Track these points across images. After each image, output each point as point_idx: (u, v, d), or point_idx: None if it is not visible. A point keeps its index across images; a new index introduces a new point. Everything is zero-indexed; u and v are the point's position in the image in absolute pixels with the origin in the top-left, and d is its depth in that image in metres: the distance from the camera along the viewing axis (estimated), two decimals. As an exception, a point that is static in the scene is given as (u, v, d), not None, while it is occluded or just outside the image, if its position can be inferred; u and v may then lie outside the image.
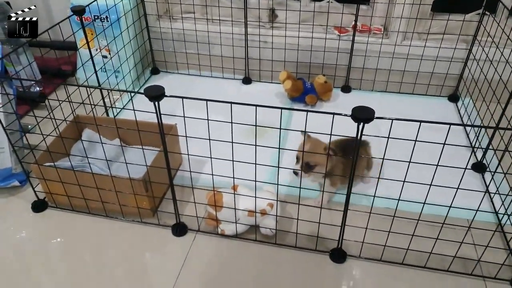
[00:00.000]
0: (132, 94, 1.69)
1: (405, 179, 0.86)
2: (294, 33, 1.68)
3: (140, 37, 1.80)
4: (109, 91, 1.66)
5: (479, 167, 1.32)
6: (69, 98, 1.11)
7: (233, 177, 0.97)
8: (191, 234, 1.12)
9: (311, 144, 1.10)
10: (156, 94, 0.84)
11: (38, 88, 1.73)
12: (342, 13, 1.64)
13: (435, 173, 0.83)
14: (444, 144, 0.79)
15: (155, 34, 1.82)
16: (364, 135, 0.80)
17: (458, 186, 0.84)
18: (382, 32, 1.68)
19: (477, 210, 0.89)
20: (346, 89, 1.77)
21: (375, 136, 0.89)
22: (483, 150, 1.33)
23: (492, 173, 1.26)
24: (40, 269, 1.04)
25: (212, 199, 1.06)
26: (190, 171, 1.03)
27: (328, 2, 1.68)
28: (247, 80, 1.84)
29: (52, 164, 1.12)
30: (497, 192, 1.19)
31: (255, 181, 0.97)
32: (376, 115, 0.76)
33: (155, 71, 1.92)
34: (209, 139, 0.91)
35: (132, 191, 1.09)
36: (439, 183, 0.84)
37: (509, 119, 1.21)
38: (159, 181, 1.15)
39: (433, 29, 1.63)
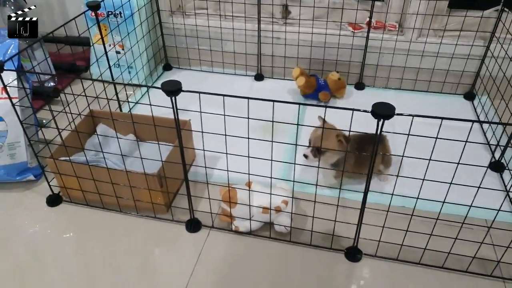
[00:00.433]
0: (148, 88, 1.69)
1: (424, 177, 0.84)
2: (307, 30, 1.67)
3: (153, 33, 1.80)
4: (124, 85, 1.65)
5: (497, 166, 1.29)
6: (84, 92, 1.12)
7: (248, 174, 0.96)
8: (205, 230, 1.12)
9: (324, 130, 1.09)
10: (173, 89, 0.83)
11: (52, 83, 1.74)
12: (357, 9, 1.62)
13: (455, 171, 0.81)
14: (466, 141, 0.78)
15: (168, 30, 1.82)
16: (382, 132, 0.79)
17: (480, 185, 0.83)
18: (397, 29, 1.66)
19: (498, 210, 0.88)
20: (359, 86, 1.75)
21: (393, 133, 0.88)
22: (501, 148, 1.30)
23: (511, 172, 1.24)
24: (53, 263, 1.05)
25: (227, 195, 1.05)
26: (206, 167, 1.03)
27: (343, -2, 1.67)
28: (259, 77, 1.83)
29: (68, 158, 1.12)
30: (516, 192, 1.16)
31: (271, 177, 0.96)
32: (394, 112, 0.75)
33: (167, 67, 1.92)
34: (225, 135, 0.90)
35: (146, 186, 1.09)
36: (455, 182, 0.82)
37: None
38: (173, 177, 1.14)
39: (450, 25, 1.60)
